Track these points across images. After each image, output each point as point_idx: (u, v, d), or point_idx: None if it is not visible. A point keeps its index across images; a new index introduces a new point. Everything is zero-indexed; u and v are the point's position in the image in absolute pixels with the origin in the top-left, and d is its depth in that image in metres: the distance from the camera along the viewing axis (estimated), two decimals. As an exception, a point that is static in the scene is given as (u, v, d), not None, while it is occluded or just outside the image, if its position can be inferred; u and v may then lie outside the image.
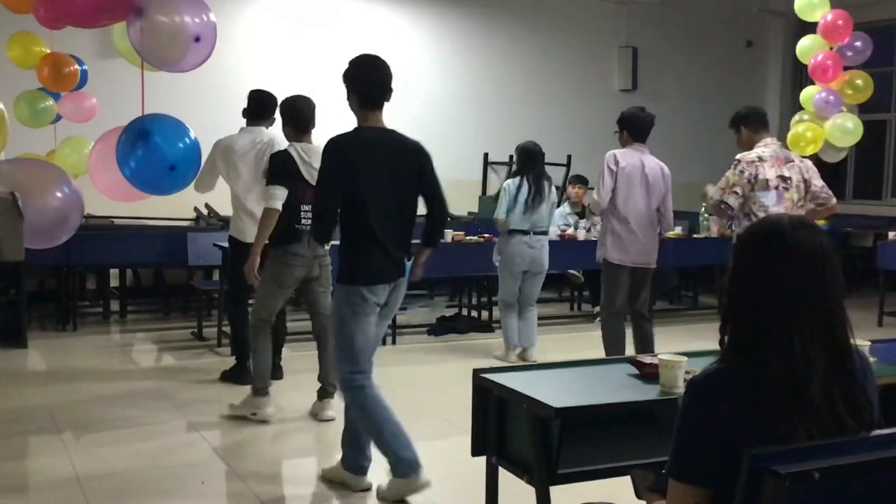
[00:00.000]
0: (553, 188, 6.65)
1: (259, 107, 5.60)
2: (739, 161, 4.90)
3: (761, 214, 4.70)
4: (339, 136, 3.70)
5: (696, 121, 11.80)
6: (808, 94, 6.53)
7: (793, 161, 4.95)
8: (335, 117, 9.25)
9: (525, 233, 6.47)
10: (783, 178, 4.88)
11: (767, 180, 4.86)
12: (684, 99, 11.79)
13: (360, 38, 9.89)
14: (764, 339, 1.78)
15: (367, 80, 3.71)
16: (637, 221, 5.54)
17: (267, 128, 5.66)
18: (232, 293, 5.87)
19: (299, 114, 4.92)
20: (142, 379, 6.00)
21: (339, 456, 4.05)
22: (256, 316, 5.02)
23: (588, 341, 7.33)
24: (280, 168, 4.78)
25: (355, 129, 3.74)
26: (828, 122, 6.40)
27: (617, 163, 5.51)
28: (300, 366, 6.02)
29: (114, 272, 8.41)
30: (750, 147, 4.97)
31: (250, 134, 5.56)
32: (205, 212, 8.71)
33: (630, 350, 5.64)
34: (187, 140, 4.14)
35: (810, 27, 6.61)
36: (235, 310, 5.82)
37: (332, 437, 4.83)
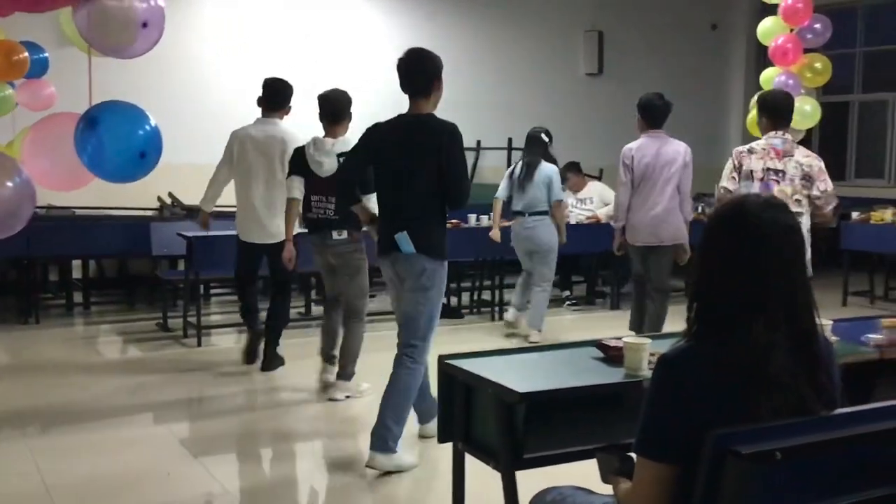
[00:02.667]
0: (548, 170, 6.71)
1: (273, 96, 5.72)
2: (733, 152, 5.03)
3: None
4: (378, 122, 4.12)
5: (661, 104, 11.83)
6: (768, 76, 6.57)
7: (793, 155, 4.88)
8: (305, 103, 9.14)
9: (521, 214, 6.75)
10: (773, 171, 4.85)
11: (752, 171, 4.89)
12: (650, 82, 11.68)
13: (326, 25, 9.82)
14: (728, 317, 1.78)
15: (398, 72, 4.06)
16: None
17: (281, 118, 5.74)
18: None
19: (326, 105, 5.19)
20: (107, 371, 5.92)
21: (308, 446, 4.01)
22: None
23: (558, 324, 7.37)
24: (293, 163, 5.21)
25: (396, 115, 4.08)
26: (786, 105, 6.43)
27: (632, 157, 5.78)
28: (300, 351, 6.11)
29: (76, 263, 8.27)
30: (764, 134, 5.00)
31: (264, 126, 5.70)
32: (168, 201, 8.60)
33: None
34: (148, 126, 4.06)
35: (773, 10, 6.63)
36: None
37: (300, 428, 4.81)
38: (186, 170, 7.96)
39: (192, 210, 8.37)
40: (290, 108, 5.79)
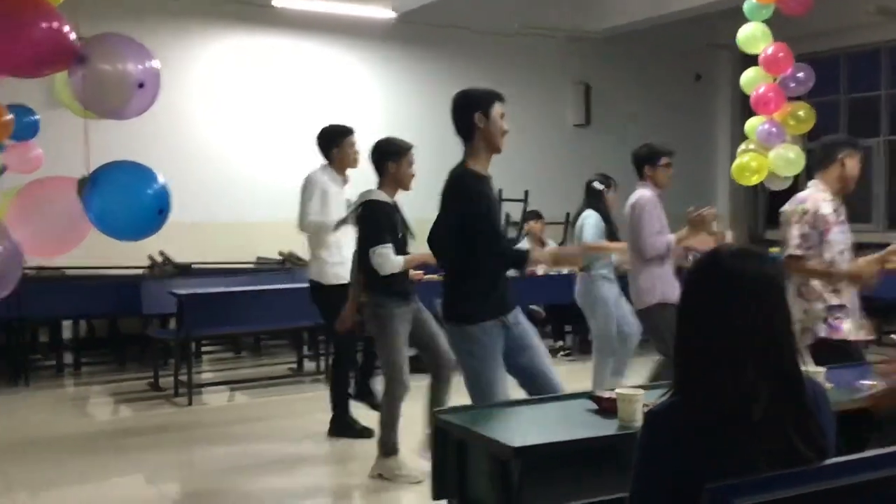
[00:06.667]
0: (581, 219, 6.09)
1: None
2: None
3: None
4: None
5: (649, 153, 11.94)
6: (752, 124, 6.62)
7: None
8: (290, 156, 9.15)
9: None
10: None
11: None
12: (637, 132, 11.91)
13: (314, 80, 9.92)
14: (709, 368, 1.77)
15: None
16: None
17: (330, 165, 5.62)
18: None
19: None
20: (97, 433, 5.85)
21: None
22: None
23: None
24: None
25: None
26: (771, 152, 6.48)
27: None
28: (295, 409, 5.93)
29: (66, 324, 8.22)
30: None
31: None
32: (159, 259, 8.59)
33: None
34: (158, 184, 4.01)
35: (754, 60, 6.71)
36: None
37: (295, 490, 4.74)
38: (176, 227, 7.91)
39: (182, 267, 8.36)
40: (337, 152, 5.58)
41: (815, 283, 4.12)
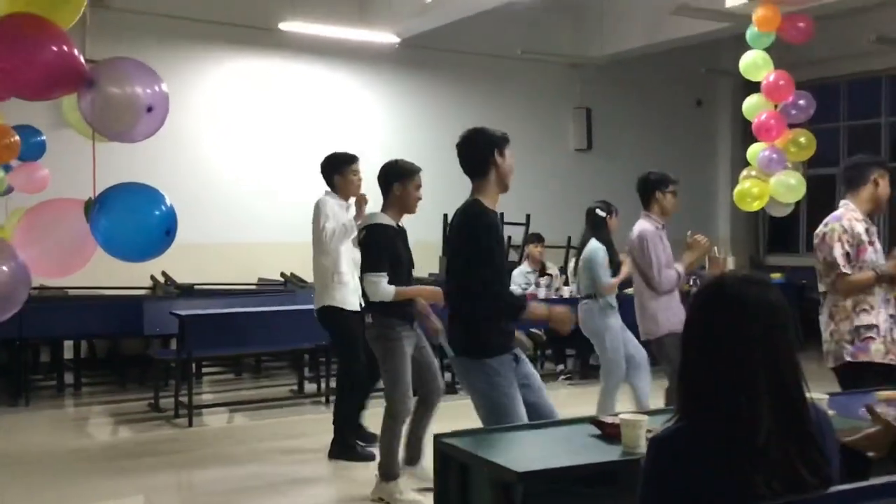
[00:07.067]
0: (587, 250, 5.98)
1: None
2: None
3: None
4: None
5: (650, 178, 11.98)
6: (754, 150, 6.67)
7: None
8: (293, 179, 9.19)
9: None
10: None
11: None
12: (638, 156, 11.95)
13: (317, 103, 9.98)
14: (713, 394, 1.78)
15: None
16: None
17: (333, 190, 5.61)
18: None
19: None
20: (97, 454, 5.83)
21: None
22: None
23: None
24: None
25: None
26: (772, 179, 6.53)
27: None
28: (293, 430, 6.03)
29: (68, 344, 8.22)
30: None
31: None
32: (161, 280, 8.61)
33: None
34: (165, 206, 4.02)
35: (756, 87, 6.77)
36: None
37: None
38: (178, 248, 7.94)
39: (184, 288, 8.37)
40: (339, 179, 5.55)
41: (846, 303, 4.05)
